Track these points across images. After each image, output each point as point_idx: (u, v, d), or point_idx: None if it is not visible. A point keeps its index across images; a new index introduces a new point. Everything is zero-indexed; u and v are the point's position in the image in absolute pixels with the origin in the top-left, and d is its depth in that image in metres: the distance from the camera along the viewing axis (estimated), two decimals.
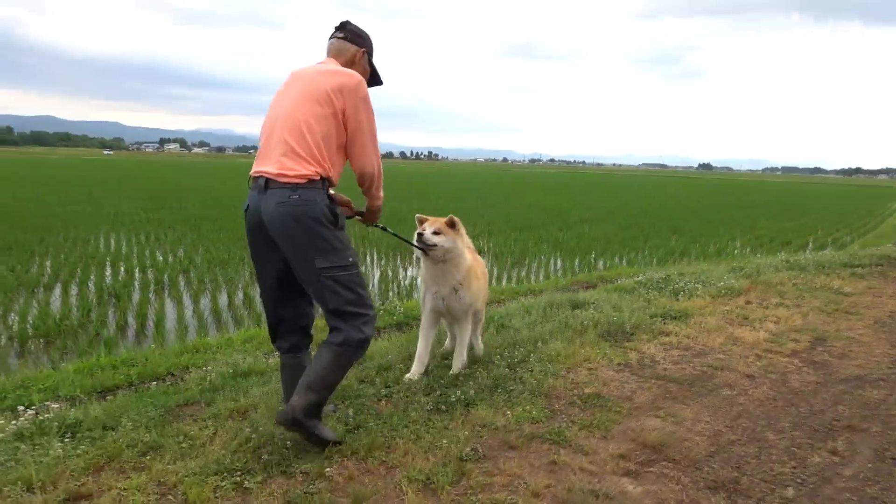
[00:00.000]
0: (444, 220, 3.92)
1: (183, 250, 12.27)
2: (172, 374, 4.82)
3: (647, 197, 38.21)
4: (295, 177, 2.88)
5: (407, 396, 3.75)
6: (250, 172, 3.05)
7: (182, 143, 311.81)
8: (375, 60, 3.35)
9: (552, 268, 12.07)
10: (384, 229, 3.88)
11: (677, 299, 6.86)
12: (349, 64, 3.20)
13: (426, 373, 4.14)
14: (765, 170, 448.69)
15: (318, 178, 2.92)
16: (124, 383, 4.62)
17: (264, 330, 6.14)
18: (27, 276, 9.17)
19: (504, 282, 10.39)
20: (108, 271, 10.07)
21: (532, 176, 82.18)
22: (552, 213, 23.37)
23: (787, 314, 6.28)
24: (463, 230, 3.98)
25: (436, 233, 3.85)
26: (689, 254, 14.22)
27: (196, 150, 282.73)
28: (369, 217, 3.45)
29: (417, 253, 3.98)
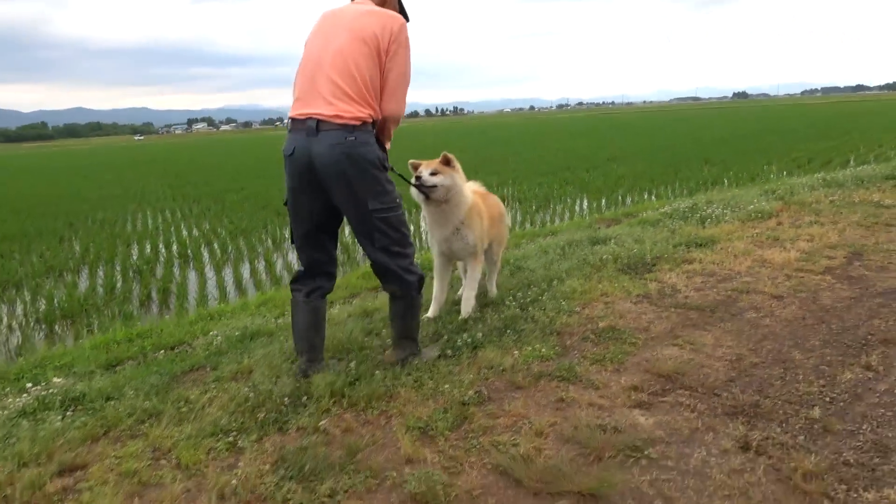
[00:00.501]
0: (437, 160, 3.74)
1: (207, 223, 12.32)
2: (186, 343, 4.80)
3: (677, 132, 37.04)
4: (351, 118, 2.89)
5: None
6: (291, 115, 3.02)
7: (210, 121, 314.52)
8: None
9: (577, 209, 11.76)
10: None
11: (703, 227, 6.55)
12: (382, 4, 3.17)
13: (439, 317, 4.06)
14: (803, 92, 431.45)
15: (371, 120, 2.96)
16: (138, 354, 4.61)
17: (281, 292, 6.10)
18: (55, 260, 9.30)
19: (528, 226, 10.16)
20: (135, 249, 10.17)
21: (559, 121, 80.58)
22: (578, 155, 22.82)
23: (821, 231, 5.93)
24: (458, 166, 3.78)
25: (433, 173, 3.68)
26: (722, 182, 13.70)
27: (224, 127, 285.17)
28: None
29: (418, 198, 3.80)
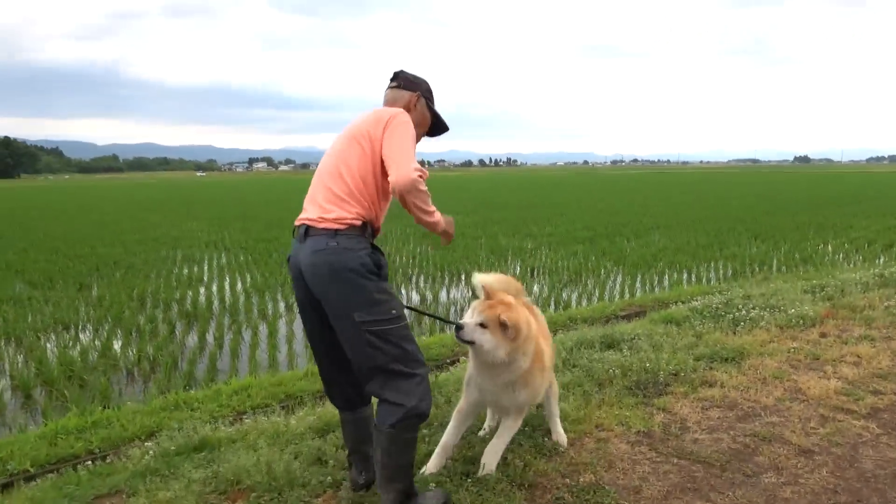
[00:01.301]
0: (495, 307, 2.94)
1: (228, 278, 12.12)
2: (141, 439, 4.37)
3: (731, 196, 35.86)
4: (333, 220, 2.71)
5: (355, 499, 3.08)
6: (294, 223, 2.91)
7: (269, 161, 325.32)
8: (438, 107, 3.16)
9: (609, 286, 11.07)
10: (414, 310, 3.39)
11: (734, 332, 5.85)
12: (406, 111, 2.96)
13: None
14: (869, 160, 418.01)
15: (360, 222, 2.74)
16: (84, 452, 4.20)
17: (267, 377, 5.64)
18: (64, 312, 9.13)
19: (550, 307, 9.54)
20: (147, 304, 9.95)
21: (610, 178, 79.74)
22: (621, 220, 22.07)
23: (871, 352, 5.17)
24: (522, 334, 2.97)
25: (481, 324, 2.92)
26: (770, 263, 12.81)
27: (282, 167, 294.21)
28: (444, 238, 3.05)
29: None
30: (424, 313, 3.31)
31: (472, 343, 2.97)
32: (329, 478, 3.19)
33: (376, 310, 2.66)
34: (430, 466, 3.25)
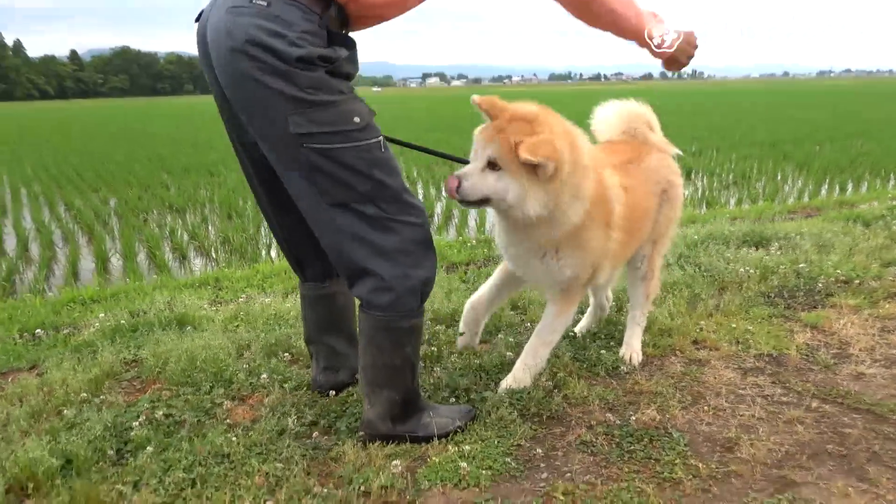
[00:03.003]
0: (514, 137, 1.76)
1: None
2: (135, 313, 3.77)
3: None
4: None
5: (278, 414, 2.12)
6: None
7: (442, 76, 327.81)
8: None
9: (786, 190, 8.97)
10: (395, 141, 2.00)
11: None
12: None
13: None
14: None
15: None
16: (65, 324, 3.67)
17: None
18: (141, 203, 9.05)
19: (702, 208, 7.80)
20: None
21: (813, 91, 69.82)
22: (813, 126, 18.59)
23: None
24: (569, 164, 1.82)
25: (491, 165, 1.81)
26: None
27: (455, 82, 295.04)
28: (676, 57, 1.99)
29: None
30: (411, 146, 2.10)
31: (482, 203, 1.84)
32: (265, 375, 2.25)
33: (324, 114, 1.62)
34: (462, 341, 2.40)
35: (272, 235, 2.14)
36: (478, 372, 2.24)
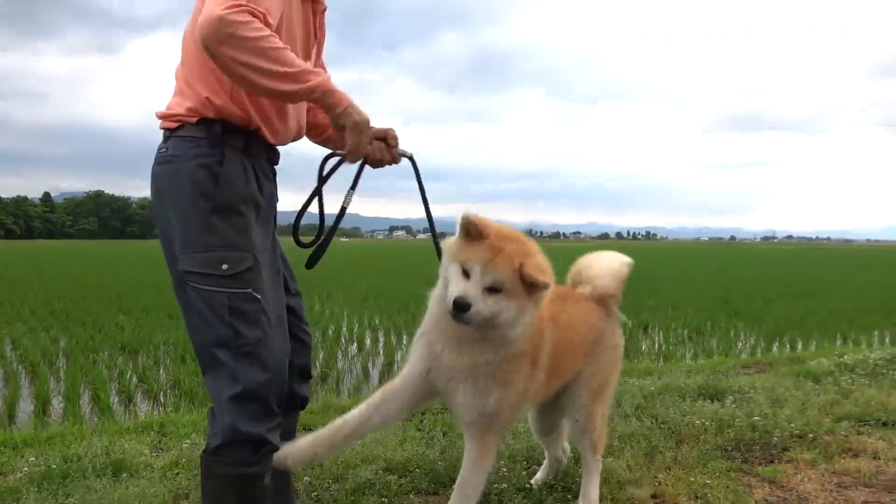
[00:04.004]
0: (517, 260, 1.77)
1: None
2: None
3: None
4: (165, 118, 1.84)
5: None
6: None
7: (408, 229, 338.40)
8: None
9: (739, 347, 9.18)
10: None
11: None
12: None
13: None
14: None
15: (195, 117, 1.77)
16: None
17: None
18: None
19: (660, 361, 7.90)
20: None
21: (759, 253, 73.83)
22: (762, 285, 19.47)
23: None
24: (549, 287, 1.82)
25: (493, 289, 1.77)
26: None
27: (420, 235, 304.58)
28: (351, 136, 1.81)
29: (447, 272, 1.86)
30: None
31: (485, 324, 1.79)
32: None
33: (200, 256, 1.75)
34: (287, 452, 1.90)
35: None
36: None
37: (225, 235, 1.74)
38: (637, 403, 3.71)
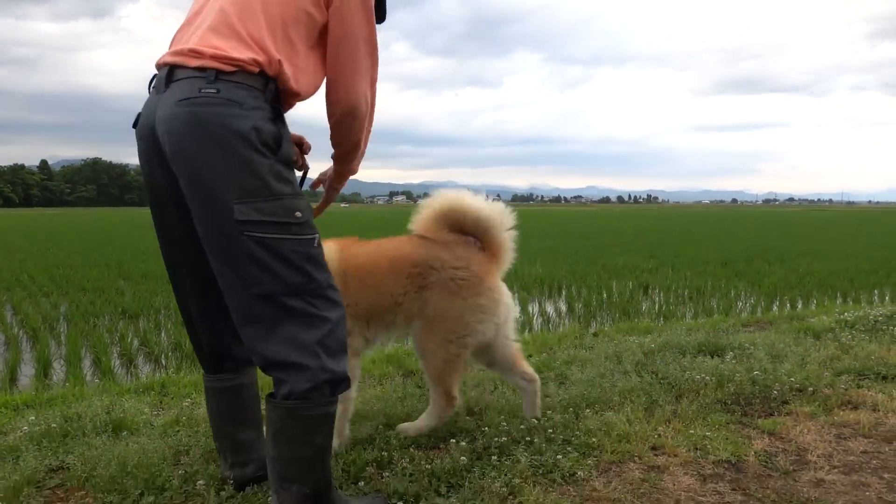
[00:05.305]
0: None
1: None
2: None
3: None
4: (213, 58, 1.69)
5: None
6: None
7: (408, 195, 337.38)
8: None
9: (739, 306, 9.19)
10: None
11: None
12: None
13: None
14: None
15: (257, 69, 1.72)
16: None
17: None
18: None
19: (660, 321, 7.92)
20: None
21: (761, 215, 73.61)
22: (764, 247, 19.44)
23: None
24: None
25: None
26: None
27: (420, 200, 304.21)
28: (332, 188, 2.13)
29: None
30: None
31: None
32: (201, 482, 2.11)
33: (270, 205, 1.68)
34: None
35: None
36: (429, 477, 2.13)
37: (293, 184, 1.77)
38: (637, 360, 3.71)
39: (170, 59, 1.75)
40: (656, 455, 2.41)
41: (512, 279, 11.29)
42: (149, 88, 1.85)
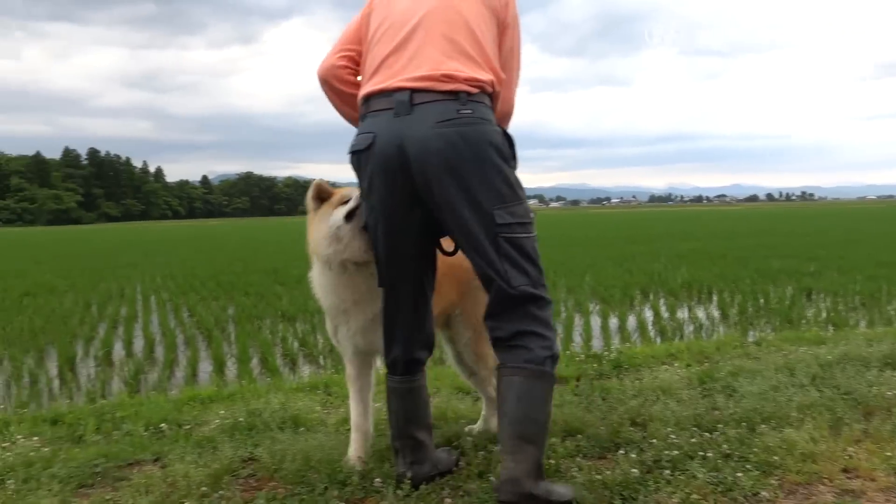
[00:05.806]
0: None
1: None
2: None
3: None
4: (466, 81, 1.95)
5: None
6: (366, 92, 2.06)
7: (540, 198, 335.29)
8: None
9: None
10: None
11: None
12: None
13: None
14: None
15: (492, 88, 2.05)
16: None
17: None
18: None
19: (829, 329, 7.25)
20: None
21: None
22: None
23: None
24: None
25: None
26: None
27: (553, 204, 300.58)
28: None
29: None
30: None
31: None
32: (378, 480, 2.22)
33: (519, 209, 1.99)
34: (352, 454, 2.43)
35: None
36: (602, 490, 2.09)
37: (524, 190, 2.05)
38: (813, 372, 3.43)
39: (409, 84, 1.94)
40: (849, 478, 2.21)
41: (656, 283, 10.85)
42: (363, 115, 2.05)
